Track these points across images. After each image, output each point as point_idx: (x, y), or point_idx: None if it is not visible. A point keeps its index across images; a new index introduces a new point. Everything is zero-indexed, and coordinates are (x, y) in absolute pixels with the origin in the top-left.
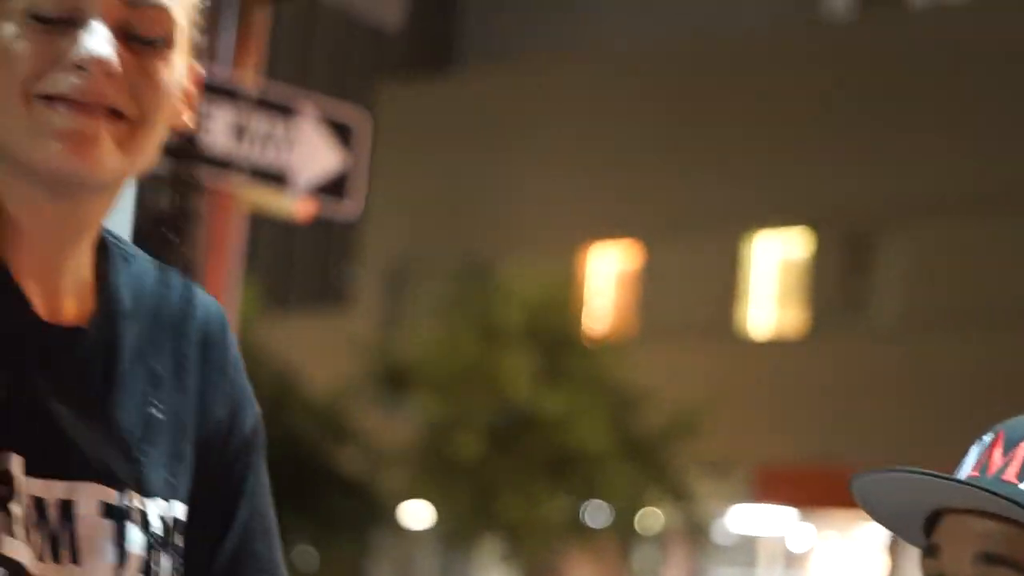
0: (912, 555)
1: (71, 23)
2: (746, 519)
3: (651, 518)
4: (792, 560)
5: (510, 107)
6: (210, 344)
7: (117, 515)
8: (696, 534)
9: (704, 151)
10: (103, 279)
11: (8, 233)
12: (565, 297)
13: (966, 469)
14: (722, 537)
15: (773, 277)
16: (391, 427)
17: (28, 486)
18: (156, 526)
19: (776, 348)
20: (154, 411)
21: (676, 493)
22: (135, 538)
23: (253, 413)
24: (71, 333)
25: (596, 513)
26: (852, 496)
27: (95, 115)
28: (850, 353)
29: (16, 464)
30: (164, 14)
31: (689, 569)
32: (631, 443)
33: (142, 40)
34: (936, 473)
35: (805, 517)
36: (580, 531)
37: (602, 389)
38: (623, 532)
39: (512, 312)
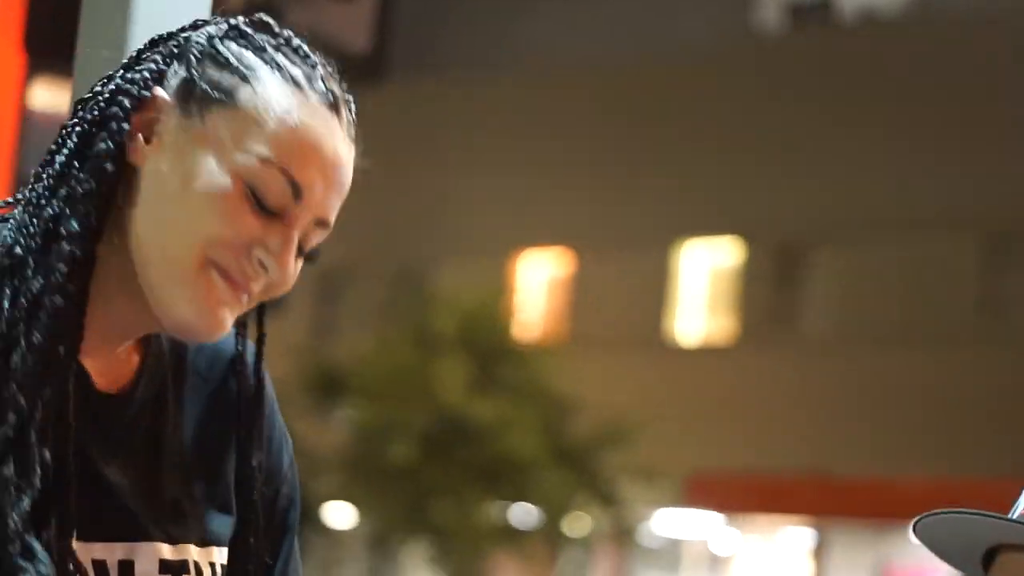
0: (837, 561)
1: (275, 216)
2: (672, 523)
3: (579, 521)
4: (716, 563)
5: (443, 117)
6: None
7: (173, 570)
8: (623, 538)
9: (636, 159)
10: (146, 336)
11: (86, 323)
12: (497, 304)
13: (1020, 508)
14: (649, 540)
15: (703, 286)
16: (323, 432)
17: (90, 551)
18: (207, 575)
19: (705, 357)
20: (200, 461)
21: (605, 498)
22: None
23: (288, 450)
24: (120, 398)
25: (524, 516)
26: (915, 536)
27: (238, 293)
28: (779, 363)
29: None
30: (326, 234)
31: (616, 572)
32: (562, 449)
33: (302, 251)
34: (991, 513)
35: (731, 522)
36: (509, 534)
37: (534, 396)
38: (551, 535)
39: (445, 319)
